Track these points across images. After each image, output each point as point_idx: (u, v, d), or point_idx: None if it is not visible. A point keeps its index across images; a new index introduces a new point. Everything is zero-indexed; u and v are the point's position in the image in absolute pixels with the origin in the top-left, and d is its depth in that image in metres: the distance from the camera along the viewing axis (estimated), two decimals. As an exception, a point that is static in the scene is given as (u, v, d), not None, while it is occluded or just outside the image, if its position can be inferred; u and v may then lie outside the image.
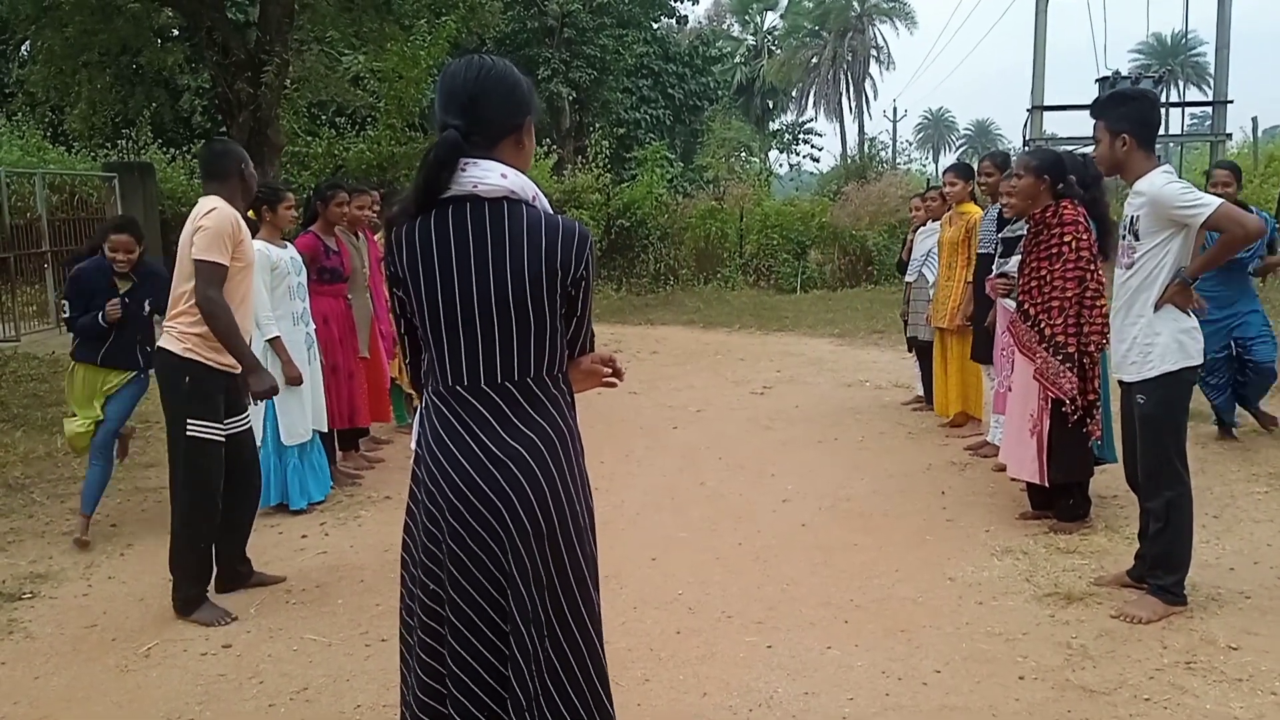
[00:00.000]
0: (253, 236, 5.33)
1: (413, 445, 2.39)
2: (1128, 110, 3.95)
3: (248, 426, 4.31)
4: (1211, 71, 20.06)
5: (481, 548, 2.20)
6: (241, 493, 4.30)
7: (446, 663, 2.25)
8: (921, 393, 8.05)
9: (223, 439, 4.08)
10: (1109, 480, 5.39)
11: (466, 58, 2.23)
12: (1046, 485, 4.94)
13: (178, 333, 3.99)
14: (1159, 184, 3.77)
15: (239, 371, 4.11)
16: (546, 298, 2.16)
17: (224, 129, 12.95)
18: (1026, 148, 17.00)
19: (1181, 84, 48.54)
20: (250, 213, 5.46)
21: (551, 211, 2.22)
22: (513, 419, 2.19)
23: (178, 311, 4.01)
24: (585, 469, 2.35)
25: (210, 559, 4.19)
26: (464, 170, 2.13)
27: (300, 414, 5.42)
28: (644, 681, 3.48)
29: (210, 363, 4.00)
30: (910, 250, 7.88)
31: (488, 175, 2.14)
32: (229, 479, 4.22)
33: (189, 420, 3.98)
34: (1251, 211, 4.48)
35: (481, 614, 2.22)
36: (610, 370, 2.39)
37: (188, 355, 3.97)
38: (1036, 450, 4.88)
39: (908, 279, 7.83)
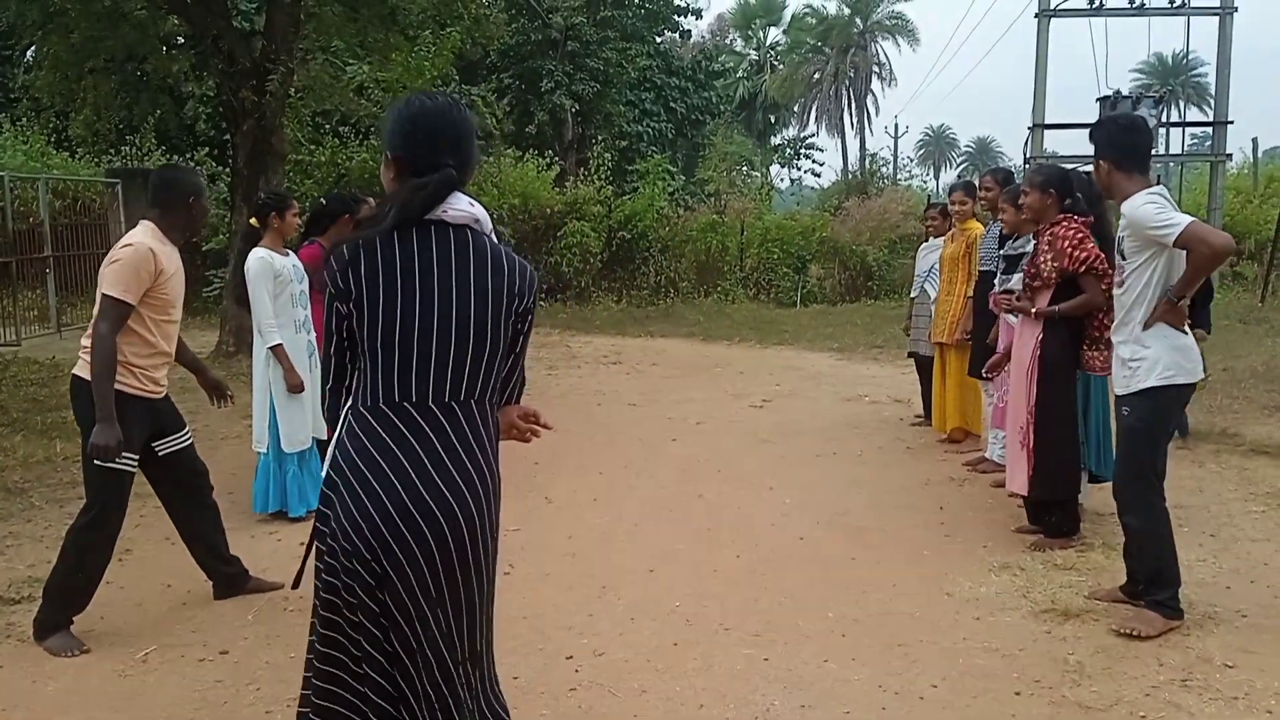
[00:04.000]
0: (256, 244, 5.37)
1: (326, 464, 2.32)
2: (1101, 135, 4.10)
3: (188, 442, 4.20)
4: (1212, 92, 20.12)
5: (427, 565, 2.22)
6: (197, 505, 4.26)
7: (398, 684, 2.28)
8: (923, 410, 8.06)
9: (133, 469, 3.93)
10: (1106, 498, 5.39)
11: (433, 96, 2.34)
12: (1030, 498, 4.97)
13: (88, 356, 3.81)
14: (1137, 205, 3.85)
15: (160, 397, 4.00)
16: (503, 323, 2.28)
17: (228, 136, 12.98)
18: (1028, 165, 17.05)
19: (1182, 104, 48.71)
20: (253, 220, 5.50)
21: (506, 248, 2.35)
22: (455, 443, 2.24)
23: (88, 334, 3.84)
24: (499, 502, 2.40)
25: (87, 594, 3.94)
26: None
27: (301, 421, 5.42)
28: (641, 693, 3.48)
29: (125, 389, 3.81)
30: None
31: (457, 202, 2.26)
32: (181, 495, 4.21)
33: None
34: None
35: (429, 639, 2.26)
36: (532, 425, 2.54)
37: None
38: (1025, 462, 4.91)
39: (911, 294, 7.86)
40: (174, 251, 3.98)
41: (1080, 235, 4.77)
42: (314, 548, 2.33)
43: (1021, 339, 5.04)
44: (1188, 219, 3.78)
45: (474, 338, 2.24)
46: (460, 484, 2.23)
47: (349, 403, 2.31)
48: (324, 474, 2.31)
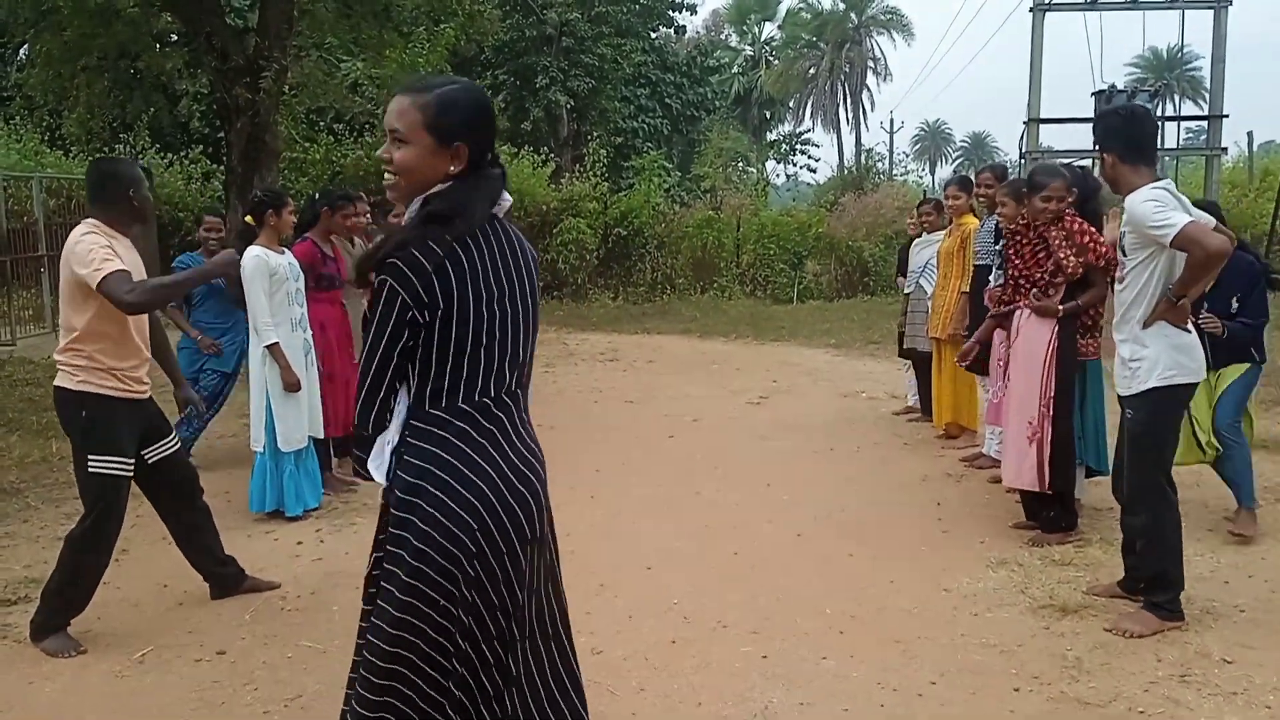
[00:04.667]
0: (252, 242, 5.36)
1: (378, 475, 2.24)
2: (1105, 127, 4.07)
3: (176, 446, 4.18)
4: (1207, 86, 20.13)
5: (522, 551, 2.26)
6: (188, 507, 4.24)
7: (518, 680, 2.29)
8: (912, 402, 8.07)
9: (129, 474, 3.91)
10: (1104, 493, 5.40)
11: (469, 82, 2.31)
12: (1049, 491, 4.94)
13: (70, 366, 3.79)
14: (1137, 202, 3.81)
15: (145, 397, 3.97)
16: (537, 304, 2.36)
17: (222, 134, 12.94)
18: (1023, 160, 17.05)
19: (1177, 98, 48.75)
20: (249, 218, 5.48)
21: None
22: (522, 429, 2.31)
23: (66, 345, 3.80)
24: None
25: (85, 598, 3.91)
26: None
27: (297, 420, 5.41)
28: (639, 691, 3.48)
29: (109, 392, 3.79)
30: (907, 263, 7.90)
31: (505, 195, 2.29)
32: (172, 498, 4.19)
33: (89, 456, 3.80)
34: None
35: (552, 624, 2.38)
36: None
37: (82, 388, 3.77)
38: (1036, 457, 4.89)
39: (906, 290, 7.85)
40: (128, 244, 3.91)
41: (1094, 230, 4.84)
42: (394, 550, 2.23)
43: (1033, 332, 4.99)
44: (1186, 219, 3.70)
45: (532, 326, 2.32)
46: (535, 466, 2.31)
47: (400, 411, 2.23)
48: (399, 481, 2.21)
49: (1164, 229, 3.71)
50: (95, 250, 3.67)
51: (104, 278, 3.61)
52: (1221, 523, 5.13)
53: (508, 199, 2.28)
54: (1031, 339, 4.99)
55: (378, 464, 2.25)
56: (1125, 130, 3.97)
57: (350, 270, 6.17)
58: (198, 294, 6.26)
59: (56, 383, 3.86)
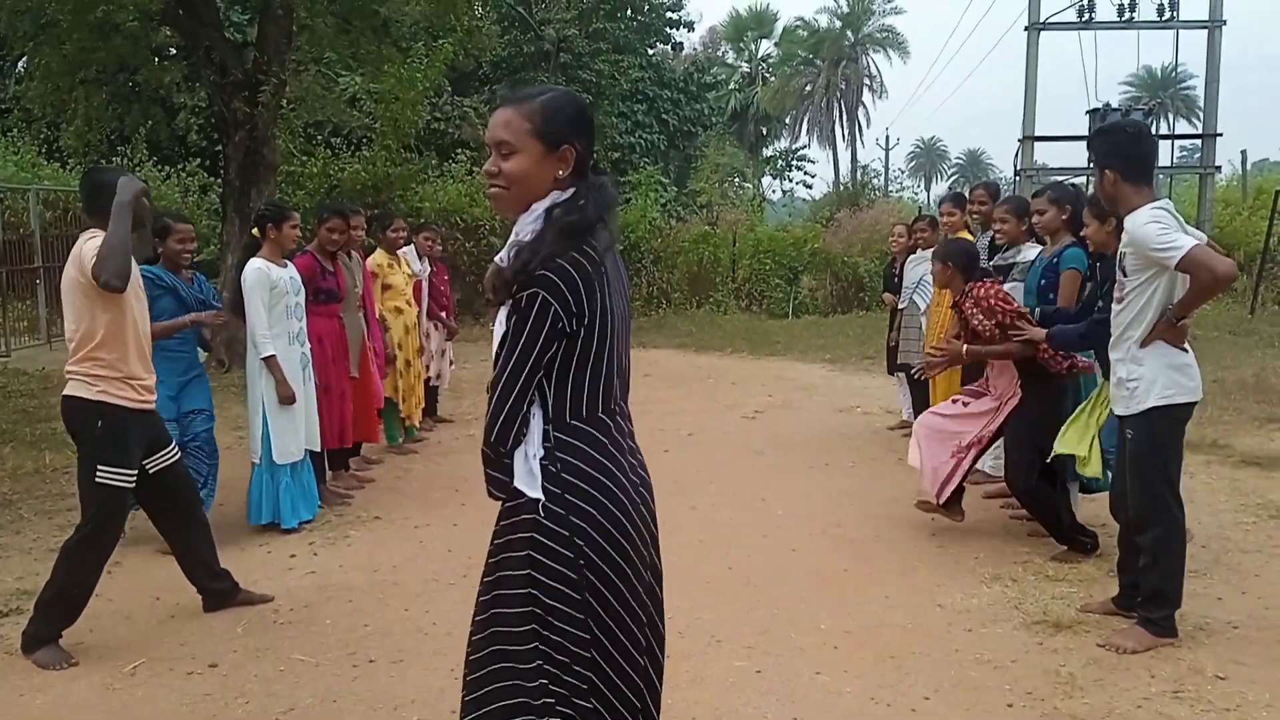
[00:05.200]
0: (254, 254, 5.36)
1: (533, 491, 2.19)
2: (1108, 144, 3.96)
3: (177, 457, 4.19)
4: (1201, 105, 20.24)
5: (655, 555, 2.46)
6: (186, 520, 4.24)
7: (649, 676, 2.43)
8: (907, 418, 8.07)
9: (130, 486, 3.92)
10: (1098, 509, 5.40)
11: (579, 94, 2.38)
12: (938, 503, 5.34)
13: (88, 376, 3.80)
14: (1140, 223, 3.75)
15: (152, 407, 4.00)
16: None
17: (220, 147, 12.96)
18: (1018, 177, 17.12)
19: (1171, 117, 48.95)
20: (254, 230, 5.49)
21: None
22: (634, 435, 2.41)
23: (85, 354, 3.80)
24: None
25: (78, 609, 3.92)
26: None
27: (294, 433, 5.41)
28: (633, 705, 3.46)
29: (125, 403, 3.84)
30: (901, 279, 7.91)
31: None
32: (171, 510, 4.19)
33: (99, 466, 3.81)
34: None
35: (660, 632, 2.49)
36: None
37: (100, 398, 3.79)
38: (948, 473, 5.27)
39: (900, 305, 7.87)
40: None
41: (1003, 293, 5.10)
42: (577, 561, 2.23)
43: (999, 377, 5.31)
44: (1191, 242, 3.68)
45: (629, 336, 2.37)
46: (648, 475, 2.42)
47: (536, 424, 2.21)
48: (547, 492, 2.20)
49: (1169, 252, 3.67)
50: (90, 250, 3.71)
51: (93, 269, 3.67)
52: (1213, 539, 5.14)
53: None
54: (1000, 381, 5.26)
55: (529, 479, 2.21)
56: (1130, 148, 3.91)
57: (348, 282, 6.17)
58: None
59: (70, 392, 3.84)
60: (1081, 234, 5.77)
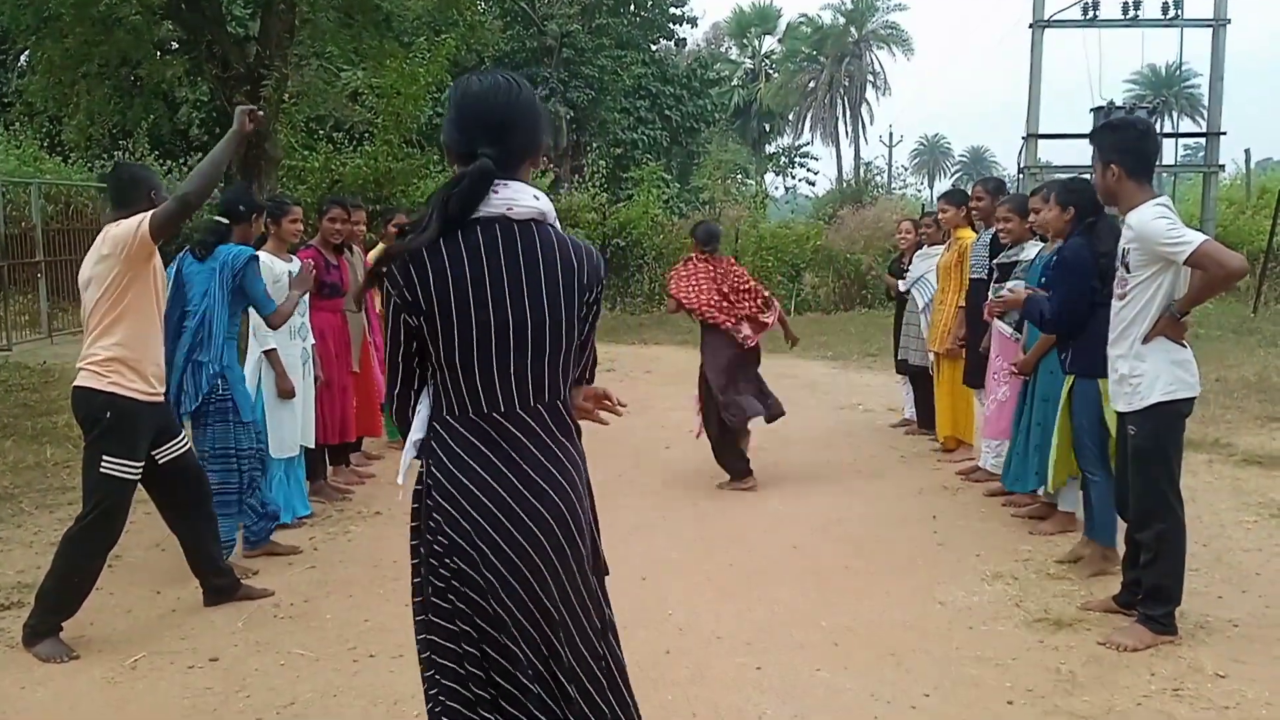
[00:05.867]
0: (259, 248, 5.34)
1: (399, 479, 2.30)
2: (1115, 138, 3.94)
3: (187, 447, 4.19)
4: (1205, 103, 20.21)
5: (535, 575, 2.15)
6: (195, 511, 4.24)
7: (497, 701, 2.19)
8: (908, 415, 8.07)
9: (136, 478, 3.93)
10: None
11: (491, 77, 2.18)
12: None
13: (100, 368, 3.80)
14: (1147, 219, 3.75)
15: (163, 398, 4.01)
16: (577, 318, 2.18)
17: (222, 142, 12.97)
18: (1021, 175, 17.11)
19: (1175, 115, 48.92)
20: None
21: (569, 234, 2.24)
22: (548, 441, 2.18)
23: (93, 342, 3.83)
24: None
25: (78, 600, 3.92)
26: (495, 192, 2.11)
27: (291, 428, 5.40)
28: (633, 701, 3.46)
29: (137, 395, 3.83)
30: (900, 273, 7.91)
31: (521, 197, 2.13)
32: (180, 501, 4.19)
33: (104, 457, 3.81)
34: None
35: (532, 645, 2.17)
36: (604, 405, 2.46)
37: (112, 389, 3.79)
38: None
39: (904, 288, 7.82)
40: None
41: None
42: (419, 559, 2.23)
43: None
44: (1201, 236, 3.69)
45: (550, 339, 2.14)
46: (556, 488, 2.18)
47: (422, 411, 2.22)
48: (416, 485, 2.23)
49: (1179, 246, 3.67)
50: (132, 224, 3.74)
51: (149, 216, 3.71)
52: (1214, 538, 5.14)
53: (524, 205, 2.13)
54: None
55: (403, 466, 2.28)
56: (1140, 145, 3.91)
57: (350, 277, 6.17)
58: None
59: (81, 382, 3.85)
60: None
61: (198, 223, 5.10)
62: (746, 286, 6.51)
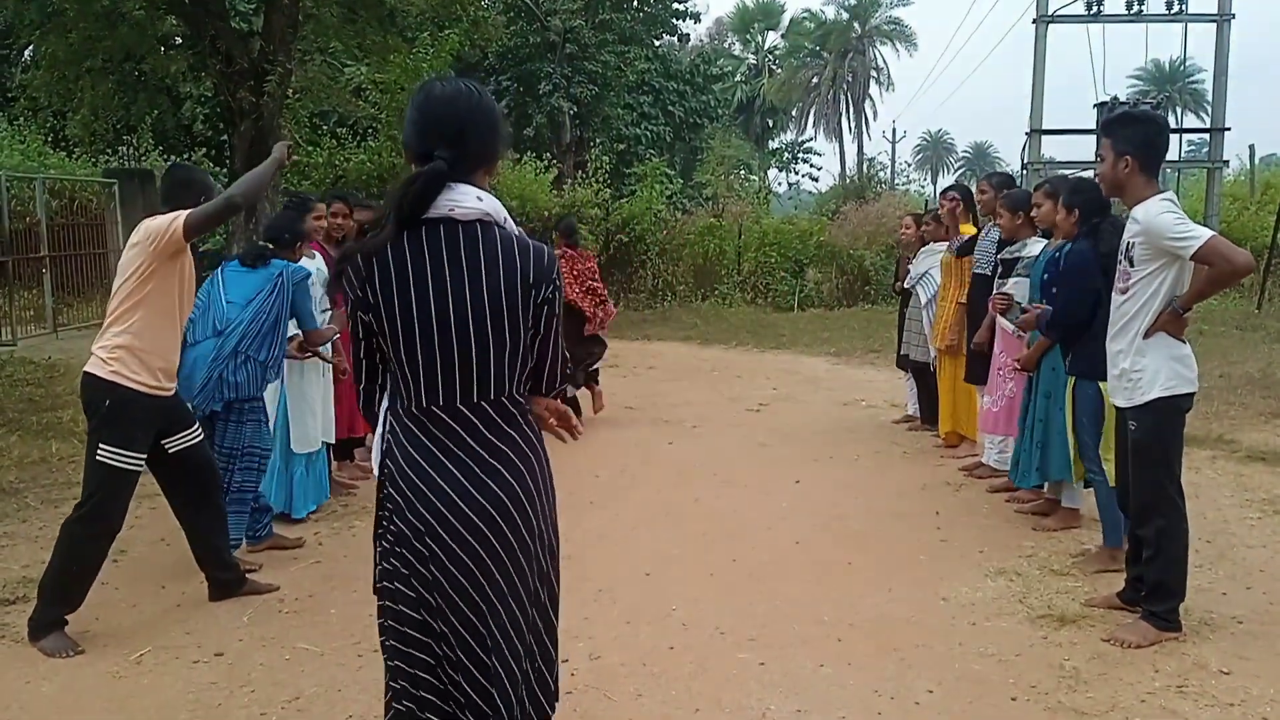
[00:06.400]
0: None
1: (375, 469, 2.38)
2: (1134, 131, 3.90)
3: (199, 439, 4.18)
4: (1209, 99, 20.15)
5: (476, 565, 2.24)
6: (202, 505, 4.23)
7: (444, 683, 2.30)
8: (911, 411, 8.07)
9: (138, 469, 3.93)
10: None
11: (450, 83, 2.27)
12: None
13: (106, 351, 3.82)
14: (1154, 213, 3.75)
15: (171, 394, 4.01)
16: (521, 316, 2.24)
17: (225, 137, 12.99)
18: (1025, 170, 17.07)
19: (1179, 111, 48.77)
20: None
21: (519, 233, 2.30)
22: (490, 437, 2.25)
23: (107, 328, 3.85)
24: (554, 489, 2.41)
25: (80, 591, 3.93)
26: (442, 194, 2.19)
27: (313, 422, 5.41)
28: (636, 697, 3.48)
29: (138, 387, 3.82)
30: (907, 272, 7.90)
31: (464, 199, 2.21)
32: (189, 493, 4.19)
33: (100, 444, 3.83)
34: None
35: (474, 633, 2.26)
36: (562, 424, 2.47)
37: (112, 377, 3.80)
38: None
39: (908, 285, 7.81)
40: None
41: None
42: (378, 547, 2.34)
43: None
44: (1208, 232, 3.69)
45: (493, 337, 2.21)
46: (498, 481, 2.24)
47: (386, 403, 2.33)
48: (377, 474, 2.36)
49: (1187, 241, 3.66)
50: (167, 219, 3.79)
51: (188, 212, 3.76)
52: (1218, 534, 5.13)
53: (466, 206, 2.20)
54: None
55: (374, 457, 2.38)
56: (1157, 141, 3.90)
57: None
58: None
59: (88, 368, 3.88)
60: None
61: (246, 248, 5.19)
62: (589, 285, 7.91)
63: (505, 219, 2.27)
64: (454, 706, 2.29)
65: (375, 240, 2.20)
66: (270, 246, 4.98)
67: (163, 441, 4.03)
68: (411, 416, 2.25)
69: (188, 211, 3.77)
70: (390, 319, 2.20)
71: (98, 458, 3.84)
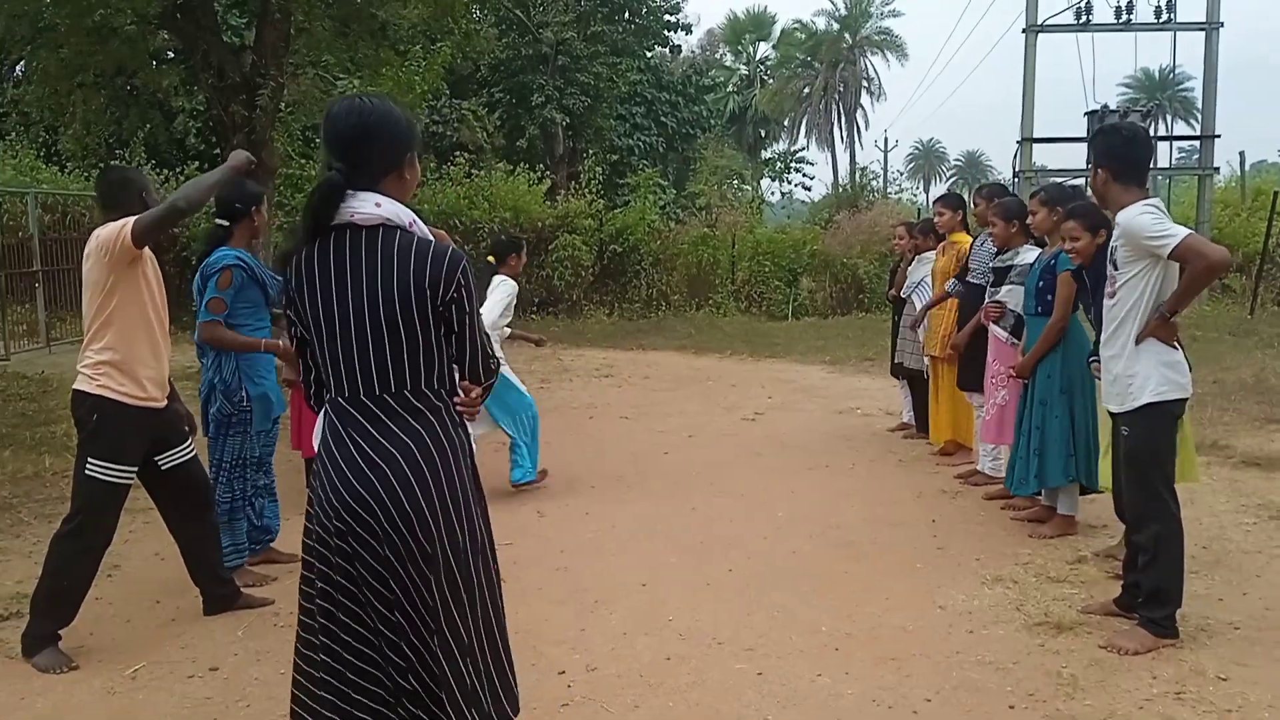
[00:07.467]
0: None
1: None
2: (1102, 143, 4.07)
3: (192, 454, 4.16)
4: (1199, 106, 20.26)
5: (365, 550, 2.36)
6: (195, 521, 4.21)
7: (345, 662, 2.43)
8: (907, 419, 8.08)
9: (127, 482, 3.90)
10: (1098, 510, 5.41)
11: (347, 101, 2.45)
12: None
13: (90, 367, 3.81)
14: (1133, 215, 3.82)
15: (163, 407, 3.98)
16: (418, 315, 2.37)
17: (218, 150, 12.98)
18: (1016, 179, 17.14)
19: (1169, 118, 49.01)
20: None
21: (430, 238, 2.43)
22: (389, 425, 2.39)
23: (98, 345, 3.81)
24: (471, 482, 2.51)
25: (72, 605, 3.89)
26: (344, 202, 2.37)
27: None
28: (633, 708, 3.46)
29: (124, 399, 3.80)
30: (902, 281, 7.91)
31: (363, 205, 2.36)
32: (181, 509, 4.18)
33: (89, 459, 3.80)
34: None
35: (367, 620, 2.40)
36: (462, 405, 2.55)
37: (99, 391, 3.78)
38: None
39: (904, 294, 7.83)
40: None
41: None
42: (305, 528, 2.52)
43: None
44: (1185, 231, 3.75)
45: (389, 334, 2.36)
46: (395, 470, 2.36)
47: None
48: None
49: (1164, 240, 3.72)
50: (123, 225, 3.73)
51: (134, 220, 3.72)
52: (1214, 541, 5.14)
53: (364, 212, 2.35)
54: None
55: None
56: (1123, 150, 4.00)
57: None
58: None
59: (75, 385, 3.86)
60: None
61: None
62: None
63: (411, 222, 2.41)
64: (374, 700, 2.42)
65: (290, 246, 2.44)
66: (227, 224, 4.72)
67: (156, 458, 4.01)
68: (333, 406, 2.44)
69: (134, 219, 3.72)
70: (302, 317, 2.43)
71: (86, 472, 3.82)
